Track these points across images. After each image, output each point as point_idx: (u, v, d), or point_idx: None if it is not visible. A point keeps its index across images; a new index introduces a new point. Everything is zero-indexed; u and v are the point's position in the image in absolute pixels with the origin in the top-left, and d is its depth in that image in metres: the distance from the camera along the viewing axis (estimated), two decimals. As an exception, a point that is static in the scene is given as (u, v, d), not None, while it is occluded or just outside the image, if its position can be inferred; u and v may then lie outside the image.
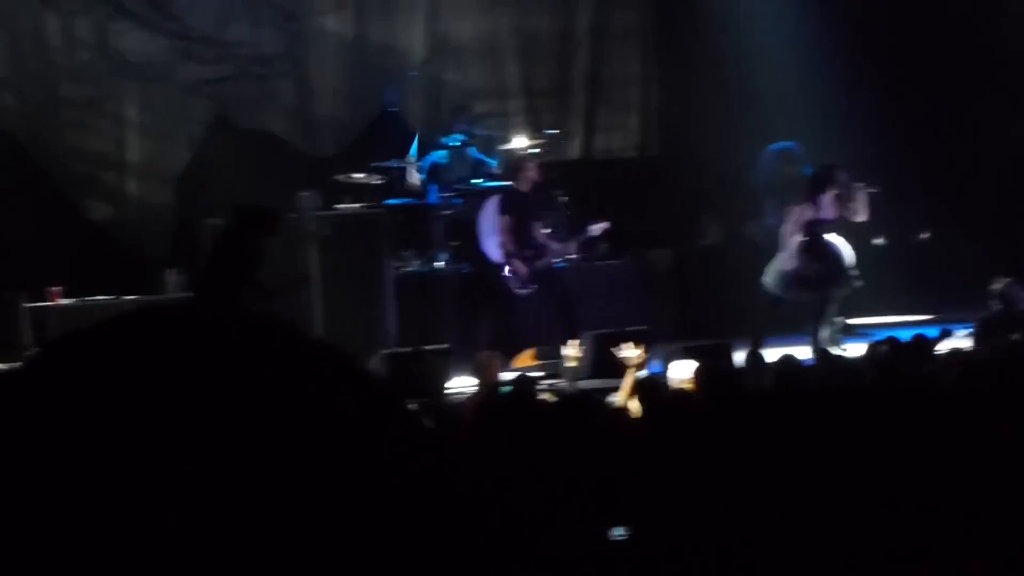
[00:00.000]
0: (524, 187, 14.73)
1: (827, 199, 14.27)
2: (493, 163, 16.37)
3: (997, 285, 13.29)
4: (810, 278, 14.16)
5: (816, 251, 14.18)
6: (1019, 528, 5.85)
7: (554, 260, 14.86)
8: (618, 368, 9.85)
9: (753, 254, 15.52)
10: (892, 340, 10.50)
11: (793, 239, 14.21)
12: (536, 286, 14.53)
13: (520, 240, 14.58)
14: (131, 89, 16.46)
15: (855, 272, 14.28)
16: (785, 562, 5.74)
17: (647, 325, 13.80)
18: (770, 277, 14.33)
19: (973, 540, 5.81)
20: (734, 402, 7.93)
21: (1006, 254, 15.81)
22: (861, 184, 14.37)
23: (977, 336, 12.59)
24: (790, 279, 14.21)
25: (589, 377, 12.58)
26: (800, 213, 14.25)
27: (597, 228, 15.12)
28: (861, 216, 14.31)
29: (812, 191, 14.31)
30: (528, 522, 5.38)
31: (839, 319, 14.52)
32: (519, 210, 14.64)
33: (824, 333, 14.14)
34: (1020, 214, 17.35)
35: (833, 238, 14.31)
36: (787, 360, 9.68)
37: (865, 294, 14.70)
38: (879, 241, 16.69)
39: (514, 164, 15.22)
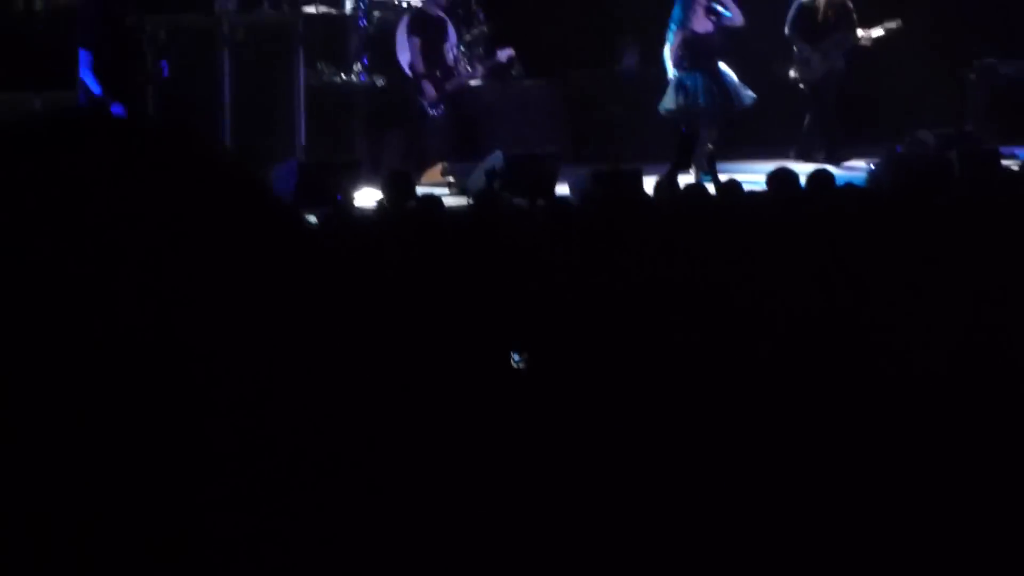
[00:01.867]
0: (434, 9, 14.59)
1: (699, 13, 13.76)
2: None
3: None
4: (698, 95, 13.75)
5: (699, 65, 13.75)
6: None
7: (466, 82, 14.77)
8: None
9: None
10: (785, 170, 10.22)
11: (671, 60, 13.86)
12: (444, 108, 14.47)
13: (430, 62, 14.48)
14: None
15: (746, 95, 13.95)
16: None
17: (558, 147, 13.77)
18: (663, 102, 14.03)
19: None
20: (639, 226, 7.96)
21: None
22: None
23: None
24: (679, 103, 13.85)
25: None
26: (676, 36, 13.81)
27: (503, 55, 15.10)
28: (737, 20, 13.78)
29: (683, 10, 13.81)
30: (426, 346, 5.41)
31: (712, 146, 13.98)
32: (429, 32, 14.51)
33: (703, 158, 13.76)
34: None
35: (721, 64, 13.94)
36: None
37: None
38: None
39: None
